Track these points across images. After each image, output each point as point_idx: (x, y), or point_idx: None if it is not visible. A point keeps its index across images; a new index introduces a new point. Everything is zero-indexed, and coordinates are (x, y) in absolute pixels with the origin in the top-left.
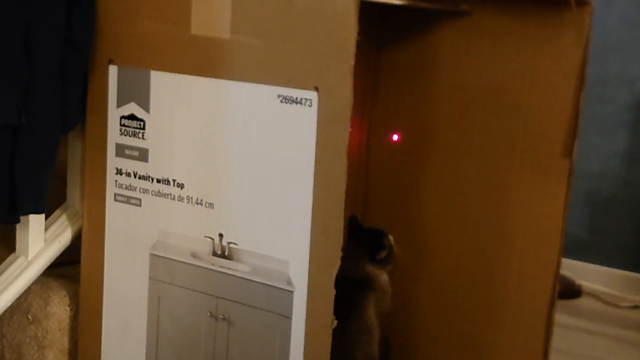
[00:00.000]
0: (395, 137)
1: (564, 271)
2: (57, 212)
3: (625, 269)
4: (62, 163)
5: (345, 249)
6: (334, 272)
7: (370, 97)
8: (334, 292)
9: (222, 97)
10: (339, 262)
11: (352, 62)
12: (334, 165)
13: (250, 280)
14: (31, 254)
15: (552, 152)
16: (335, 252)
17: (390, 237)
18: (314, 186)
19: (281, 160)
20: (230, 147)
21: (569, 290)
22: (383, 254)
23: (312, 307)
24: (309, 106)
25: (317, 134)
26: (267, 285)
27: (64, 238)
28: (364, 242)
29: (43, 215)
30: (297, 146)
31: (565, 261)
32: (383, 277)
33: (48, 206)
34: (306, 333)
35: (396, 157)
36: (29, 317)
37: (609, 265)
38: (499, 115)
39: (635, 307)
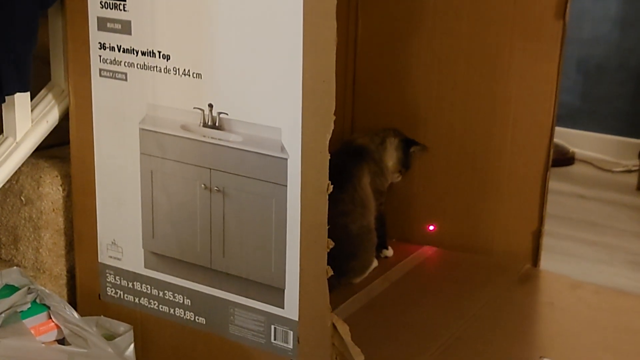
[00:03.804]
0: None
1: (556, 139)
2: (43, 91)
3: (618, 134)
4: (45, 45)
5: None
6: (328, 137)
7: None
8: (328, 156)
9: None
10: (332, 126)
11: None
12: (322, 27)
13: (242, 150)
14: (19, 134)
15: (545, 14)
16: (327, 116)
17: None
18: (304, 50)
19: (269, 24)
20: (216, 13)
21: (563, 158)
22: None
23: (307, 174)
24: None
25: None
26: (260, 154)
27: (52, 117)
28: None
29: (28, 95)
30: (284, 8)
31: (558, 129)
32: (388, 160)
33: (33, 90)
34: (302, 200)
35: (385, 24)
36: (22, 199)
37: (601, 132)
38: None
39: (629, 171)
